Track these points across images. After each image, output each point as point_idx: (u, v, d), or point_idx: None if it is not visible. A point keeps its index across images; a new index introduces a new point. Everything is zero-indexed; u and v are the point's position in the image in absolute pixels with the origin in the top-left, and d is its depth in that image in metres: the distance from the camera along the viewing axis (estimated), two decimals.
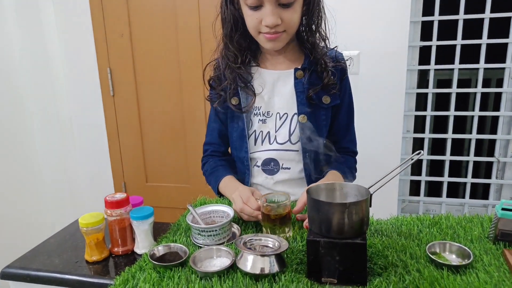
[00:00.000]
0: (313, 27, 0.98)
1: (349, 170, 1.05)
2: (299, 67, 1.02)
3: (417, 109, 1.94)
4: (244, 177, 1.10)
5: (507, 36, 1.76)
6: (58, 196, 2.31)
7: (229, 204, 0.96)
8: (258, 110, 1.04)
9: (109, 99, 2.22)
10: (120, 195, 0.82)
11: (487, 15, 1.74)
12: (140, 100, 2.19)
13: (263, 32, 0.93)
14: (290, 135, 1.03)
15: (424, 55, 1.87)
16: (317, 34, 0.99)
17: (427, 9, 1.81)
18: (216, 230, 0.79)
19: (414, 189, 2.08)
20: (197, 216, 0.84)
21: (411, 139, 1.98)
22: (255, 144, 1.06)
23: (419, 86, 1.93)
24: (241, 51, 1.01)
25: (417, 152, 0.69)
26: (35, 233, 2.17)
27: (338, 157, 1.08)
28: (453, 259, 0.70)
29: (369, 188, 0.68)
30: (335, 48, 1.06)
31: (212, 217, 0.87)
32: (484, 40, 1.76)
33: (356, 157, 1.16)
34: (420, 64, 1.88)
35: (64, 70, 2.23)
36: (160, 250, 0.77)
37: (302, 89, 1.01)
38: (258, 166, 1.07)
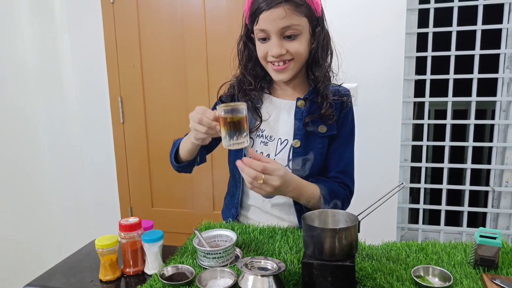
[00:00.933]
0: (320, 61, 1.06)
1: (331, 194, 1.03)
2: (301, 96, 1.10)
3: (415, 139, 2.02)
4: (235, 192, 1.16)
5: (497, 71, 1.86)
6: (65, 219, 2.38)
7: (232, 228, 1.03)
8: (262, 132, 1.11)
9: (119, 126, 2.32)
10: (133, 219, 0.90)
11: (477, 51, 1.84)
12: (148, 127, 2.29)
13: (270, 62, 1.03)
14: (288, 160, 1.09)
15: (420, 87, 1.96)
16: (323, 68, 1.07)
17: (421, 45, 1.92)
18: (220, 253, 0.86)
19: (415, 216, 2.13)
20: (202, 240, 0.91)
21: (409, 168, 2.05)
22: None
23: (418, 117, 2.01)
24: (256, 79, 1.11)
25: (399, 184, 0.77)
26: (41, 256, 2.24)
27: (325, 179, 1.10)
28: (435, 282, 0.76)
29: (358, 215, 0.76)
30: (341, 84, 1.15)
31: (217, 241, 0.94)
32: (476, 75, 1.86)
33: (350, 196, 1.13)
34: (416, 95, 1.98)
35: (76, 97, 2.34)
36: (169, 270, 0.84)
37: (301, 117, 1.08)
38: None
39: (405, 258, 0.84)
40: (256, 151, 1.11)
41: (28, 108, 2.17)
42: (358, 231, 0.73)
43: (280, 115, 1.12)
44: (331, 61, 1.09)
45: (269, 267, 0.79)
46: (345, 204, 1.10)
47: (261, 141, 1.11)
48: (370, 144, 1.96)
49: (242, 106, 0.87)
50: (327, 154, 1.10)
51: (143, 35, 2.21)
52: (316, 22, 1.04)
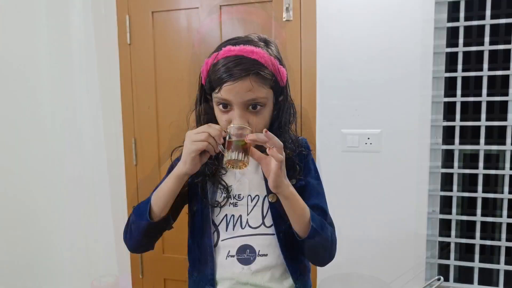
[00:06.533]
0: (281, 128, 1.01)
1: (322, 222, 0.98)
2: None
3: (444, 187, 1.88)
4: (206, 266, 1.03)
5: None
6: (74, 264, 2.30)
7: None
8: (229, 192, 1.03)
9: (132, 168, 2.26)
10: (107, 279, 0.80)
11: (511, 98, 1.72)
12: (162, 171, 2.22)
13: None
14: (263, 218, 1.01)
15: (449, 132, 1.84)
16: (284, 134, 1.02)
17: (450, 89, 1.81)
18: None
19: (444, 272, 1.96)
20: None
21: (437, 219, 1.90)
22: (226, 230, 1.02)
23: (445, 162, 1.88)
24: None
25: (437, 277, 0.64)
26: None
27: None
28: None
29: None
30: (301, 138, 1.10)
31: None
32: (510, 122, 1.73)
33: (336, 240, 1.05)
34: (444, 140, 1.85)
35: (92, 139, 2.30)
36: None
37: None
38: (233, 256, 1.01)
39: None
40: (226, 215, 1.02)
41: (42, 148, 2.14)
42: None
43: (243, 172, 1.04)
44: (291, 125, 1.05)
45: None
46: (334, 244, 1.02)
47: (230, 202, 1.02)
48: (395, 193, 1.83)
49: (248, 132, 0.88)
50: None
51: (159, 75, 2.17)
52: (280, 91, 0.98)
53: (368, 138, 1.83)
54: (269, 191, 1.00)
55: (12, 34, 1.98)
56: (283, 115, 1.01)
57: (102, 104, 2.27)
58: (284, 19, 1.88)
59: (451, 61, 1.80)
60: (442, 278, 0.64)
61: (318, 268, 1.96)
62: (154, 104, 2.19)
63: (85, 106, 2.27)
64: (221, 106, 0.94)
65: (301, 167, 1.04)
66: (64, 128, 2.23)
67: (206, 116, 1.02)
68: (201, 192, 1.03)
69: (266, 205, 1.02)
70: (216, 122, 1.01)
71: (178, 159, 1.07)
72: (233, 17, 2.01)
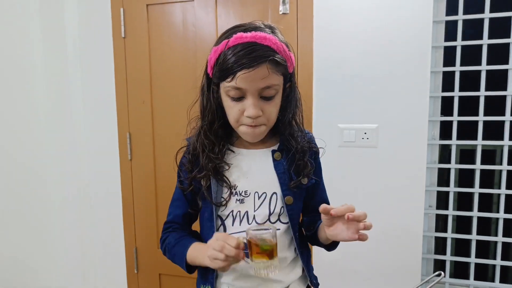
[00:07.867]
0: (288, 117, 1.01)
1: None
2: (275, 148, 1.03)
3: (440, 182, 1.87)
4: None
5: None
6: (68, 256, 2.28)
7: None
8: (235, 189, 1.00)
9: (127, 163, 2.24)
10: None
11: (510, 92, 1.70)
12: (157, 165, 2.20)
13: (244, 124, 0.94)
14: (270, 215, 1.00)
15: (446, 128, 1.83)
16: (292, 124, 1.02)
17: (447, 85, 1.80)
18: None
19: (440, 268, 1.95)
20: None
21: (434, 215, 1.89)
22: (233, 225, 1.01)
23: (441, 160, 1.87)
24: (217, 139, 1.01)
25: (437, 273, 0.63)
26: None
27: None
28: None
29: None
30: (309, 133, 1.11)
31: None
32: (508, 117, 1.71)
33: None
34: (441, 136, 1.84)
35: (86, 133, 2.28)
36: None
37: (283, 170, 1.01)
38: None
39: None
40: (232, 211, 1.01)
41: (38, 144, 2.12)
42: None
43: (250, 167, 1.03)
44: (297, 114, 1.04)
45: None
46: None
47: (236, 199, 1.00)
48: (392, 189, 1.82)
49: (273, 232, 0.84)
50: (309, 203, 1.09)
51: (154, 69, 2.14)
52: (289, 78, 0.97)
53: (365, 133, 1.82)
54: (284, 192, 1.01)
55: (5, 28, 1.95)
56: (292, 102, 1.00)
57: (96, 98, 2.24)
58: (280, 12, 1.86)
59: (449, 56, 1.78)
60: (442, 273, 0.63)
61: (315, 264, 1.95)
62: (149, 99, 2.16)
63: (79, 100, 2.25)
64: (232, 95, 0.92)
65: (313, 164, 1.04)
66: (58, 122, 2.20)
67: (210, 108, 0.99)
68: (206, 190, 1.01)
69: (273, 202, 1.01)
70: (221, 112, 0.99)
71: (183, 163, 1.09)
72: (229, 10, 1.98)
